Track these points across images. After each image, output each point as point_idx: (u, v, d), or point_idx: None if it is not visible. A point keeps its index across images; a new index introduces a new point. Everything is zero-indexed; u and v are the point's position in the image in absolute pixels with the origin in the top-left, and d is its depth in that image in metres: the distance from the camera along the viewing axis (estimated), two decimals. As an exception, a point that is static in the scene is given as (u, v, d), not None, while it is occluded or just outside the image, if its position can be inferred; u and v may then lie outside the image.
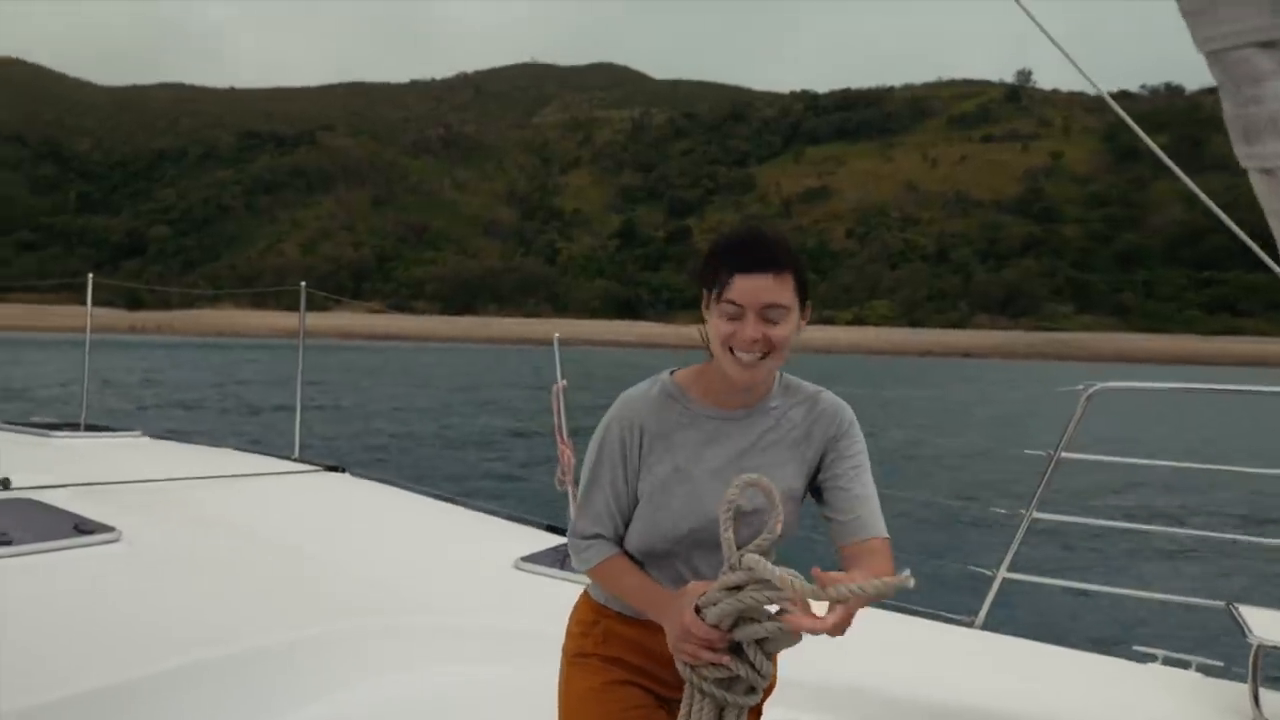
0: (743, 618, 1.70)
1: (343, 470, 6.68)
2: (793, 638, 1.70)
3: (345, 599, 3.93)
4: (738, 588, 1.68)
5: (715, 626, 1.71)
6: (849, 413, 2.07)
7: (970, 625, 3.97)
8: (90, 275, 8.85)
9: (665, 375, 2.07)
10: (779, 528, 1.74)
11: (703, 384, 2.03)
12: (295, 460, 7.03)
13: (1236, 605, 3.39)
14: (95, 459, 6.60)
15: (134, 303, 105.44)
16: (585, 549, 2.04)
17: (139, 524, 4.55)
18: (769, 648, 1.71)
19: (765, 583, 1.64)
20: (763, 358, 1.88)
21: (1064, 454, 3.83)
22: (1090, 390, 3.78)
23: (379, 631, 3.70)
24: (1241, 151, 1.07)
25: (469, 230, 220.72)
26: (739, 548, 1.75)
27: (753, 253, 1.84)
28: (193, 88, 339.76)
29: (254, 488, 5.98)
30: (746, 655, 1.72)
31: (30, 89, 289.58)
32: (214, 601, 3.75)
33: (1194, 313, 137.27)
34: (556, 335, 4.97)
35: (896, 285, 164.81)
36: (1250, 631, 3.14)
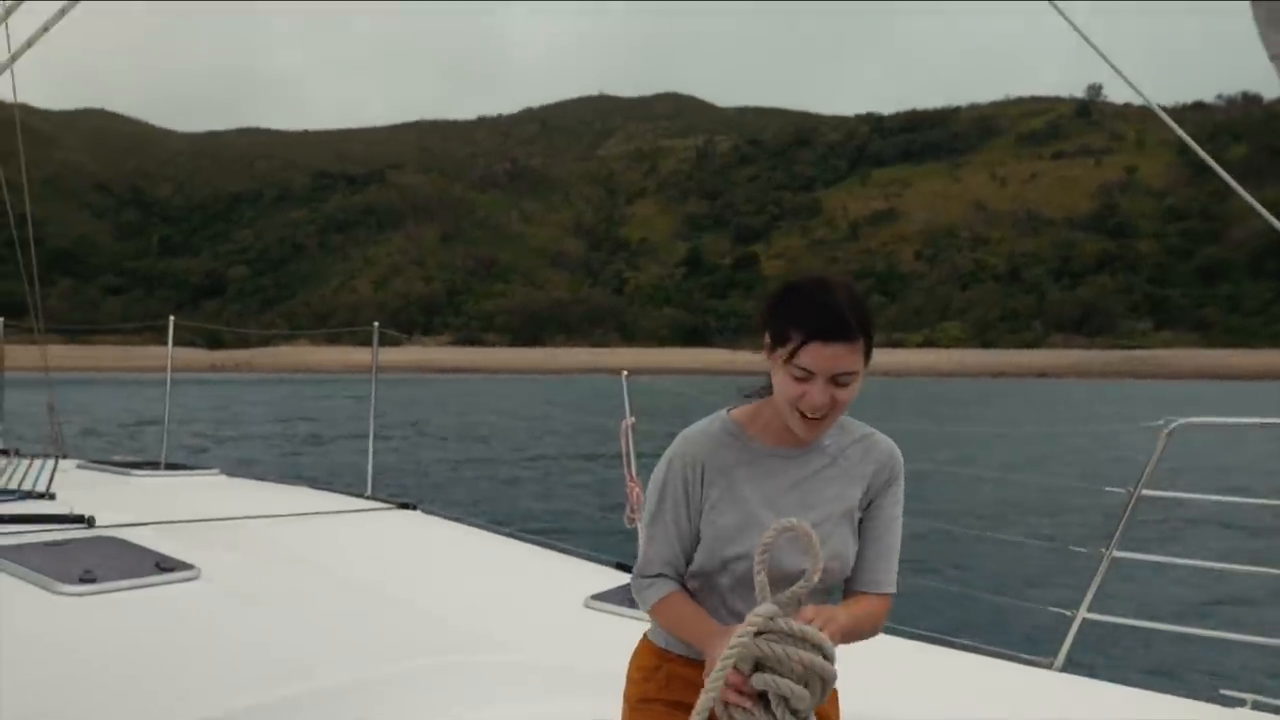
0: (762, 665, 1.67)
1: (414, 508, 6.75)
2: (815, 699, 1.66)
3: (417, 637, 3.96)
4: (758, 633, 1.67)
5: (737, 669, 1.69)
6: (900, 458, 2.09)
7: (1049, 667, 3.85)
8: (171, 318, 9.07)
9: (723, 413, 2.09)
10: (816, 577, 1.74)
11: (760, 422, 2.05)
12: (367, 498, 7.12)
13: None
14: (174, 497, 6.73)
15: (214, 342, 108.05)
16: (647, 587, 2.05)
17: (217, 561, 4.65)
18: (792, 704, 1.65)
19: (782, 633, 1.65)
20: (826, 415, 1.91)
21: (1145, 491, 3.72)
22: (1171, 426, 3.67)
23: (451, 670, 3.72)
24: None
25: (537, 262, 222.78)
26: (797, 579, 1.80)
27: (829, 323, 1.83)
28: (268, 131, 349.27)
29: (328, 525, 6.08)
30: (770, 706, 1.67)
31: (114, 138, 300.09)
32: (290, 638, 3.82)
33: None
34: (625, 372, 4.96)
35: (968, 306, 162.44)
36: None
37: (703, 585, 2.02)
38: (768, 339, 1.93)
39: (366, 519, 6.38)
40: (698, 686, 1.97)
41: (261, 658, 3.57)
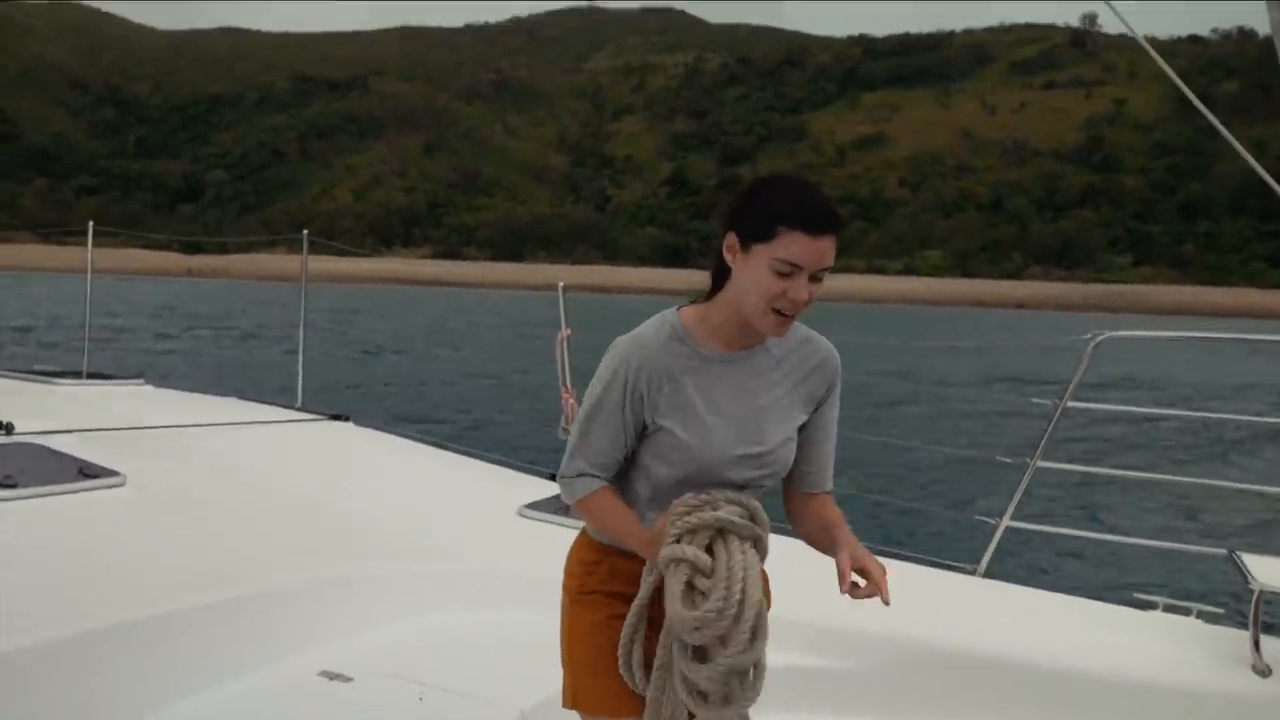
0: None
1: (346, 419, 6.64)
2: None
3: (348, 545, 4.00)
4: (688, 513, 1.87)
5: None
6: (839, 361, 2.11)
7: (972, 573, 3.96)
8: (90, 223, 8.74)
9: (672, 314, 2.06)
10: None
11: (708, 325, 2.02)
12: (299, 409, 6.99)
13: (1238, 553, 3.36)
14: (98, 406, 6.57)
15: (191, 247, 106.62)
16: (574, 482, 2.07)
17: (143, 469, 4.55)
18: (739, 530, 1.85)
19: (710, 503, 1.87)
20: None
21: (1070, 403, 3.79)
22: (1098, 339, 3.73)
23: (382, 577, 3.77)
24: None
25: (520, 177, 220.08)
26: (745, 486, 2.01)
27: (822, 214, 1.83)
28: (249, 32, 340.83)
29: (258, 435, 5.97)
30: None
31: (90, 33, 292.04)
32: (218, 545, 3.82)
33: (1258, 265, 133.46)
34: (561, 284, 4.97)
35: (950, 235, 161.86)
36: (1252, 578, 3.13)
37: (654, 496, 2.04)
38: (735, 238, 1.91)
39: (297, 429, 6.27)
40: (637, 577, 2.05)
41: (187, 564, 3.57)
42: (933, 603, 3.69)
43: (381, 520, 4.35)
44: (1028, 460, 3.88)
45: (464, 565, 3.92)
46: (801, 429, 2.08)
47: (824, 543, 2.03)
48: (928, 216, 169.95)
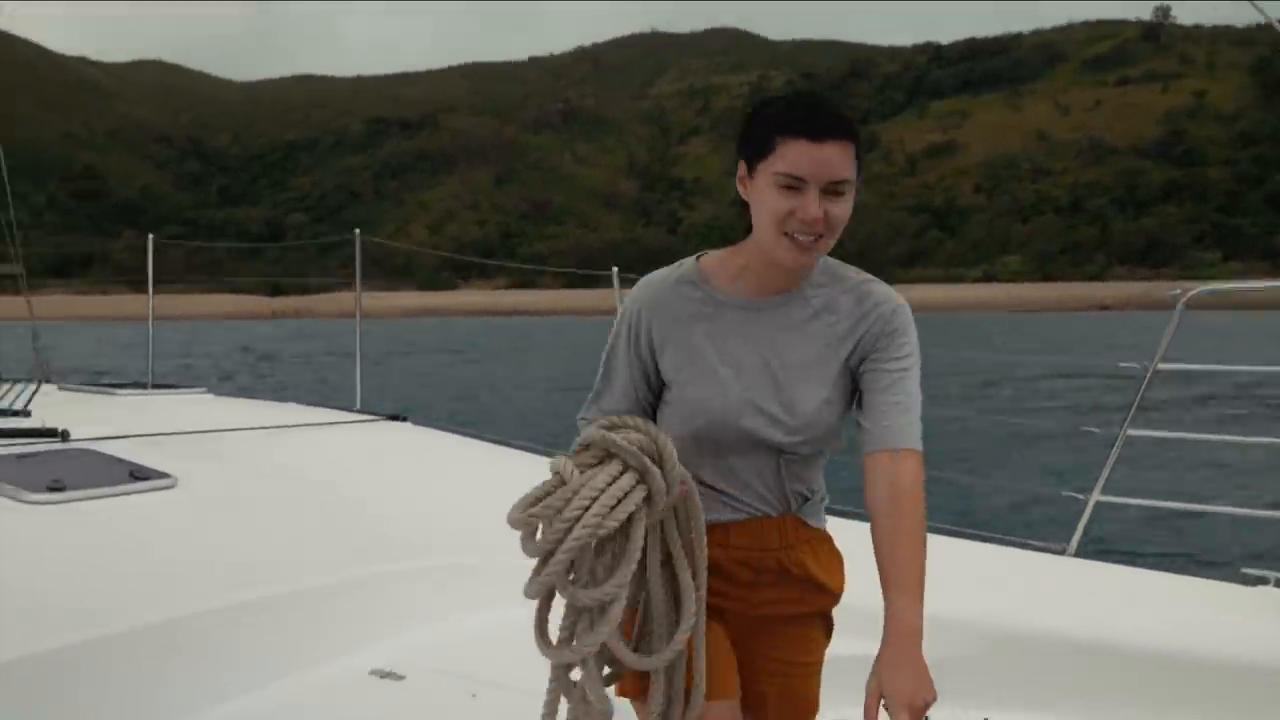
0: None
1: (404, 419, 6.55)
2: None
3: (403, 541, 3.92)
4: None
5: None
6: (906, 311, 1.82)
7: (1062, 553, 3.74)
8: (150, 236, 8.71)
9: (690, 260, 1.92)
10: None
11: (731, 269, 1.85)
12: (357, 411, 6.92)
13: None
14: (156, 413, 6.46)
15: (274, 290, 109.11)
16: (582, 428, 1.91)
17: (196, 471, 4.48)
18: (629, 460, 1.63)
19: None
20: (818, 238, 1.68)
21: (1161, 365, 3.57)
22: (1188, 294, 3.51)
23: (435, 573, 3.69)
24: None
25: (590, 204, 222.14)
26: (781, 451, 1.79)
27: (818, 117, 1.65)
28: (322, 78, 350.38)
29: (314, 436, 5.90)
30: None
31: (173, 89, 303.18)
32: (271, 543, 3.76)
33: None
34: (615, 269, 4.87)
35: (1028, 239, 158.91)
36: None
37: (686, 451, 1.76)
38: (743, 166, 1.75)
39: (354, 430, 6.19)
40: None
41: (239, 561, 3.51)
42: (1022, 585, 3.50)
43: (435, 516, 4.25)
44: (1116, 429, 3.66)
45: (518, 560, 3.81)
46: (860, 384, 1.81)
47: (880, 576, 1.75)
48: (1004, 221, 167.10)
